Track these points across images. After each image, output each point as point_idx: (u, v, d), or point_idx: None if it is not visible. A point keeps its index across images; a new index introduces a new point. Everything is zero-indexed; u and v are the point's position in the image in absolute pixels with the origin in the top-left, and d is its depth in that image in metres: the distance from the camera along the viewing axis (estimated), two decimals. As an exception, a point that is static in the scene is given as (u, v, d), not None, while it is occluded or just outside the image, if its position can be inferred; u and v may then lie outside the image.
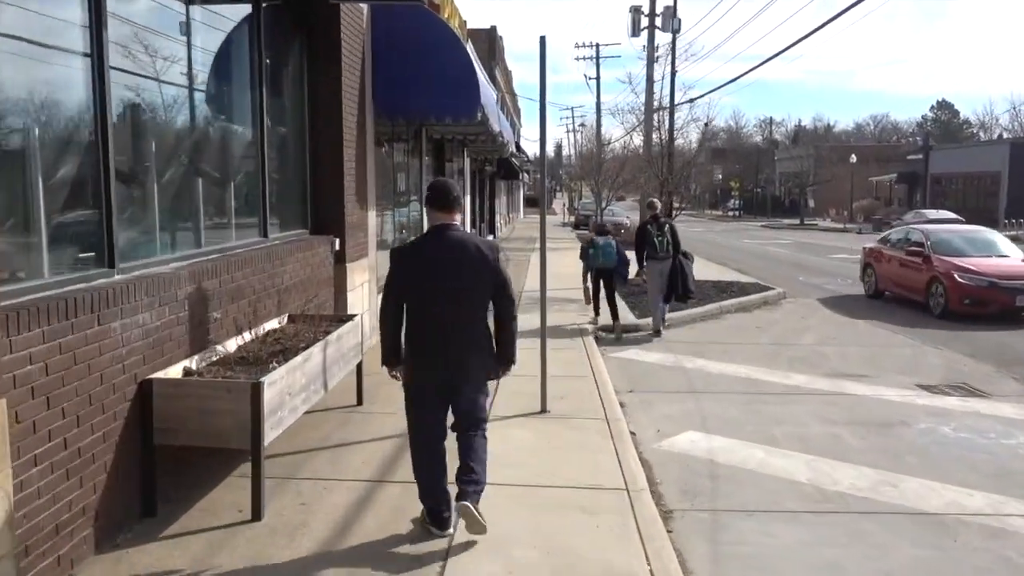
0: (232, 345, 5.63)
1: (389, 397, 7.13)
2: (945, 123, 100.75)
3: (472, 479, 4.34)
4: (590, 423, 6.75)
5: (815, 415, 7.63)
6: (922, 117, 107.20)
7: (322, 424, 6.53)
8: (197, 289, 5.27)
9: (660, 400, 8.11)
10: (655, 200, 12.95)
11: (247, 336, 5.84)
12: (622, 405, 7.64)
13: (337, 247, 8.57)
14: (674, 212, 16.12)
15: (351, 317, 6.92)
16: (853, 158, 58.46)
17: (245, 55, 6.99)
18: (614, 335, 11.50)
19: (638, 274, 12.96)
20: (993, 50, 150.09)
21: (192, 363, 5.03)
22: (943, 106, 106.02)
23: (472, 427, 4.46)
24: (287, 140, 8.14)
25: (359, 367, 7.07)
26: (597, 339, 11.40)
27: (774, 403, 8.03)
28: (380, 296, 4.48)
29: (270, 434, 4.65)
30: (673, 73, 16.19)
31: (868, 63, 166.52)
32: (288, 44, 8.10)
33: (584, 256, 12.09)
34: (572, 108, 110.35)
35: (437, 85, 9.79)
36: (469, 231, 18.61)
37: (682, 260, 11.56)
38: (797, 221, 59.86)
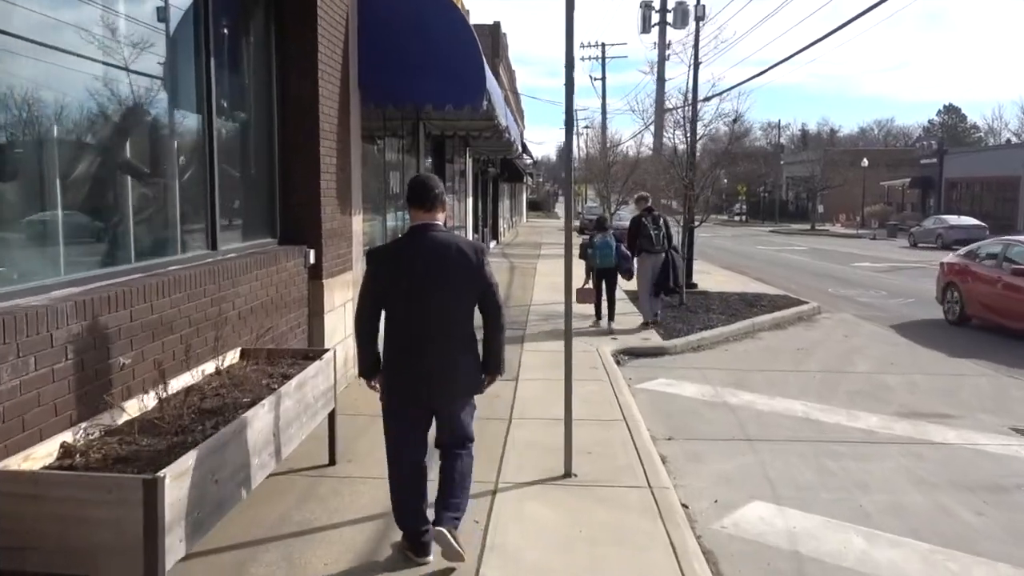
0: (148, 401, 4.09)
1: (371, 450, 5.66)
2: (952, 127, 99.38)
3: (452, 504, 4.05)
4: (630, 494, 5.20)
5: (906, 474, 6.09)
6: (928, 121, 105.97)
7: (279, 495, 4.99)
8: (91, 326, 3.73)
9: (709, 451, 6.57)
10: (645, 194, 12.63)
11: (174, 386, 4.30)
12: (664, 460, 6.10)
13: (312, 260, 7.03)
14: (696, 219, 14.53)
15: (321, 353, 5.38)
16: (865, 162, 56.96)
17: (187, 18, 5.46)
18: (607, 331, 11.52)
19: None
20: (996, 55, 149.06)
21: (75, 436, 3.49)
22: (950, 110, 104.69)
23: (457, 445, 4.15)
24: (248, 128, 6.61)
25: (331, 416, 5.51)
26: (618, 362, 9.87)
27: (849, 456, 6.48)
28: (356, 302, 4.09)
29: (177, 550, 3.11)
30: (696, 64, 14.59)
31: (869, 68, 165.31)
32: (249, 6, 6.57)
33: (584, 255, 11.85)
34: (576, 111, 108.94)
35: (435, 66, 8.27)
36: (471, 236, 17.00)
37: (674, 255, 11.72)
38: (806, 226, 58.40)
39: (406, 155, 11.71)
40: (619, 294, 12.41)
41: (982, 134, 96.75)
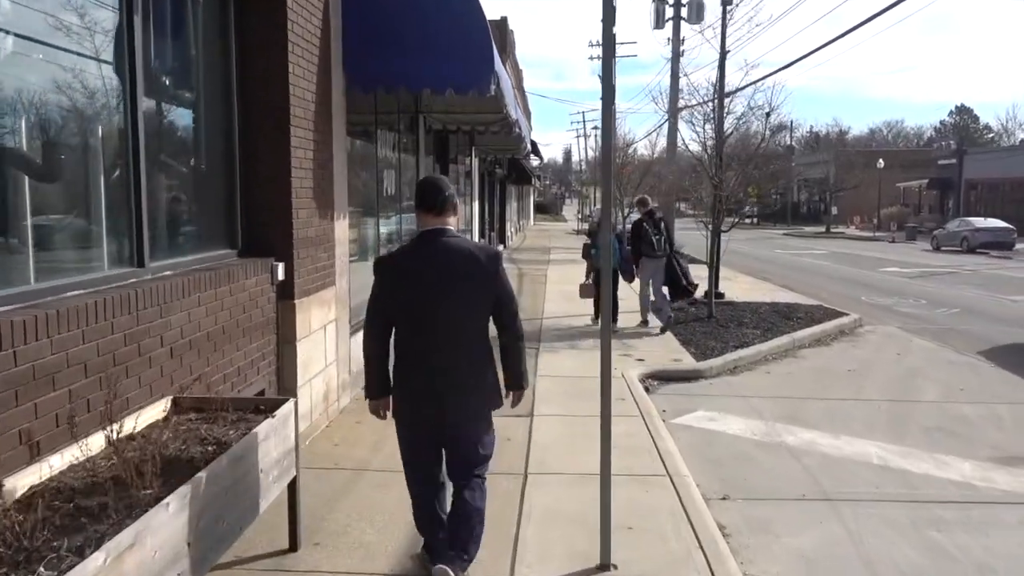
0: (15, 487, 2.75)
1: (349, 526, 4.39)
2: (964, 128, 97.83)
3: (460, 543, 3.73)
4: (692, 597, 3.85)
5: (1037, 553, 4.73)
6: (940, 122, 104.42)
7: (216, 605, 3.66)
8: None
9: (778, 517, 5.21)
10: (647, 197, 12.51)
11: (43, 470, 2.97)
12: (724, 533, 4.75)
13: (281, 275, 5.71)
14: (727, 223, 13.16)
15: (276, 405, 4.02)
16: (880, 163, 55.50)
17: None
18: (597, 324, 11.23)
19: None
20: (1005, 57, 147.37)
21: None
22: (963, 111, 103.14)
23: (469, 474, 3.79)
24: (197, 112, 5.29)
25: (293, 486, 4.16)
26: (647, 389, 8.53)
27: (958, 525, 5.12)
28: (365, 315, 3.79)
29: None
30: (723, 52, 13.25)
31: (875, 70, 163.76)
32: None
33: (587, 255, 12.00)
34: (583, 112, 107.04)
35: (434, 44, 6.96)
36: (477, 240, 15.58)
37: (676, 257, 11.58)
38: (820, 229, 56.96)
39: (404, 153, 10.38)
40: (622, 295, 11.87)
41: (994, 135, 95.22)
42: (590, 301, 12.07)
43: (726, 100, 12.41)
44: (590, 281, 11.84)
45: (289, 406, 4.04)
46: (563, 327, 11.97)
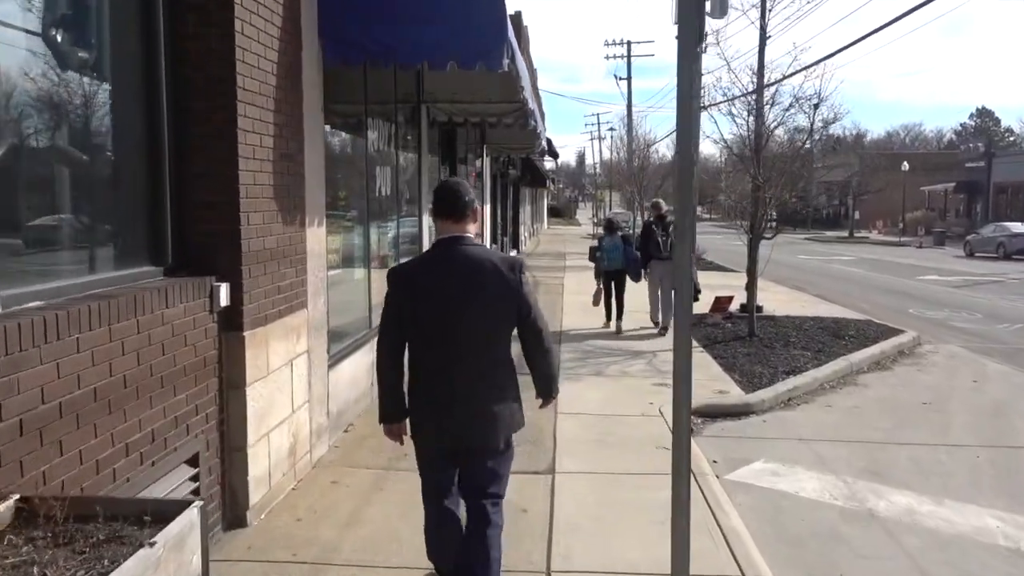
0: None
1: None
2: (985, 130, 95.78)
3: None
4: None
5: None
6: (961, 125, 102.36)
7: None
8: None
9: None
10: (660, 201, 12.47)
11: None
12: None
13: (224, 299, 4.31)
14: (766, 226, 11.68)
15: (174, 512, 2.60)
16: (905, 166, 53.77)
17: None
18: (615, 331, 11.63)
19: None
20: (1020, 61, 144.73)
21: None
22: (983, 113, 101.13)
23: (483, 496, 3.48)
24: (98, 80, 3.89)
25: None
26: (691, 429, 7.07)
27: None
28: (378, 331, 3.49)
29: None
30: (763, 36, 11.78)
31: (890, 73, 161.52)
32: None
33: (593, 258, 12.14)
34: (598, 115, 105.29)
35: (434, 6, 5.58)
36: (489, 246, 14.07)
37: None
38: (843, 233, 55.31)
39: (401, 150, 8.97)
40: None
41: (1015, 137, 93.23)
42: (593, 301, 12.11)
43: (771, 89, 10.94)
44: (601, 285, 11.88)
45: (190, 516, 2.62)
46: (586, 347, 10.54)
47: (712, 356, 9.89)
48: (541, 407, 3.75)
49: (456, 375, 3.39)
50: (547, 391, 3.65)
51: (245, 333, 4.44)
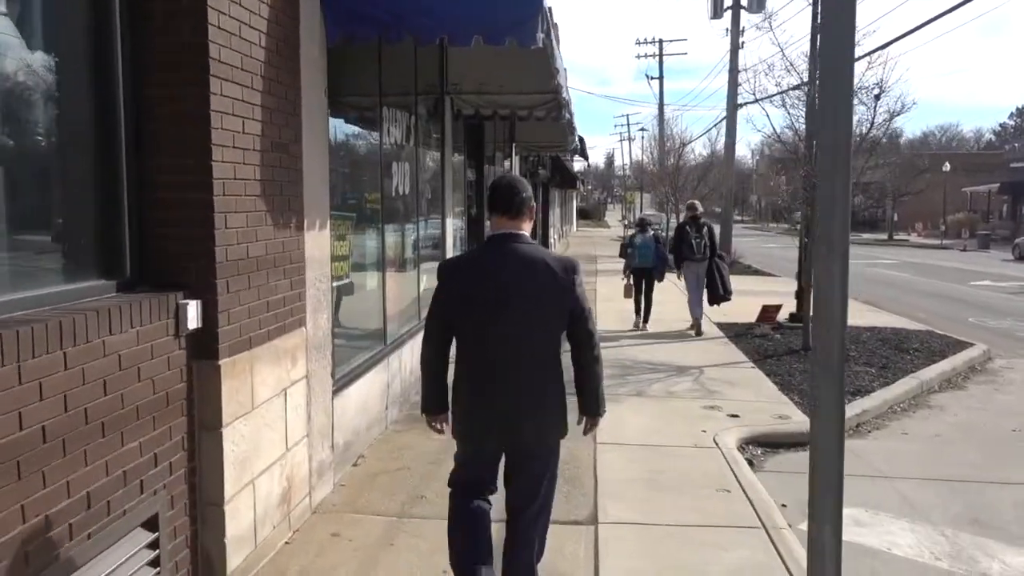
0: None
1: None
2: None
3: None
4: None
5: None
6: (1000, 125, 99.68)
7: None
8: None
9: None
10: (696, 202, 12.61)
11: None
12: None
13: (194, 320, 3.48)
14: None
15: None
16: (947, 166, 52.16)
17: None
18: (637, 329, 11.90)
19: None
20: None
21: None
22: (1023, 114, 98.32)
23: (529, 505, 3.42)
24: (29, 49, 3.07)
25: None
26: (751, 462, 6.19)
27: None
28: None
29: None
30: (817, 19, 10.77)
31: (924, 74, 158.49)
32: None
33: (623, 254, 12.37)
34: (627, 115, 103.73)
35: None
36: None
37: (718, 262, 11.56)
38: (881, 236, 53.72)
39: (423, 146, 8.13)
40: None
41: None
42: (624, 293, 12.37)
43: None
44: (630, 281, 12.10)
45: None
46: (624, 358, 9.64)
47: (765, 372, 8.93)
48: (586, 431, 3.53)
49: (503, 374, 3.31)
50: (594, 407, 3.46)
51: (222, 361, 3.61)
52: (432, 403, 3.47)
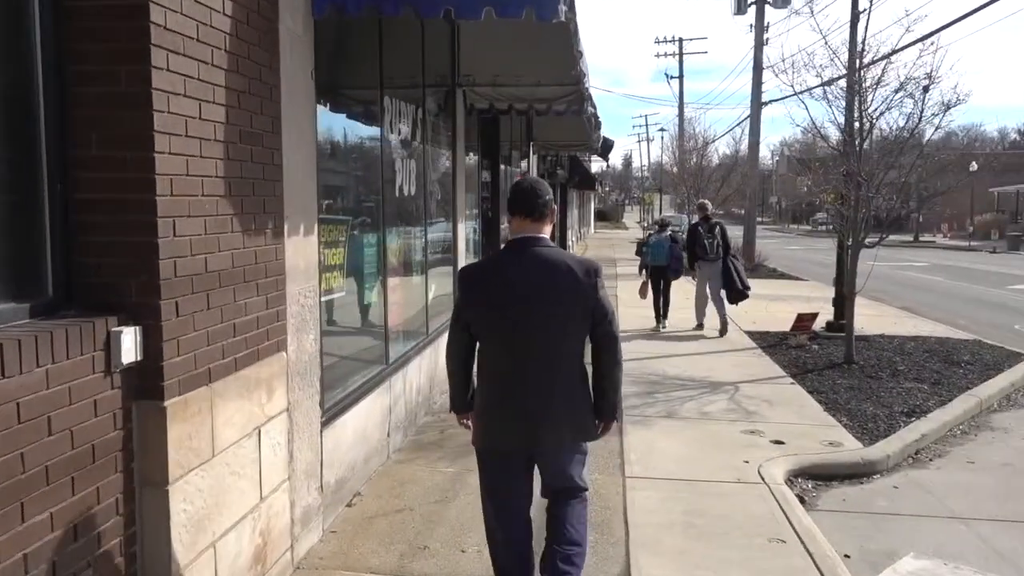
0: None
1: None
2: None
3: (563, 559, 3.29)
4: None
5: None
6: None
7: None
8: None
9: None
10: (706, 202, 12.83)
11: None
12: None
13: (132, 351, 2.77)
14: (873, 233, 9.84)
15: None
16: (974, 166, 50.73)
17: None
18: (658, 329, 11.89)
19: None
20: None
21: None
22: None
23: (566, 495, 3.42)
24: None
25: None
26: (803, 499, 5.42)
27: None
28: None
29: None
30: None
31: (947, 73, 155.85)
32: None
33: (639, 253, 12.57)
34: (646, 116, 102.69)
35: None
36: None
37: (732, 261, 11.57)
38: (906, 237, 52.47)
39: (431, 144, 7.41)
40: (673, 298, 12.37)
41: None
42: (640, 293, 12.28)
43: (875, 68, 9.10)
44: (646, 279, 12.10)
45: None
46: (649, 372, 8.88)
47: (807, 390, 8.14)
48: (600, 434, 3.50)
49: (526, 379, 3.28)
50: (611, 410, 3.43)
51: (168, 402, 2.90)
52: (460, 402, 3.53)
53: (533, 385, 3.28)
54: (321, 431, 4.44)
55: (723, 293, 11.54)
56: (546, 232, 3.36)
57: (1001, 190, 54.58)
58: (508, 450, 3.39)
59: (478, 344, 3.41)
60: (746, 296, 11.62)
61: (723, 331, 11.41)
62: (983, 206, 53.67)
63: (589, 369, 3.41)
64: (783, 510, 4.93)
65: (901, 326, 12.75)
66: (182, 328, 2.98)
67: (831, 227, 57.98)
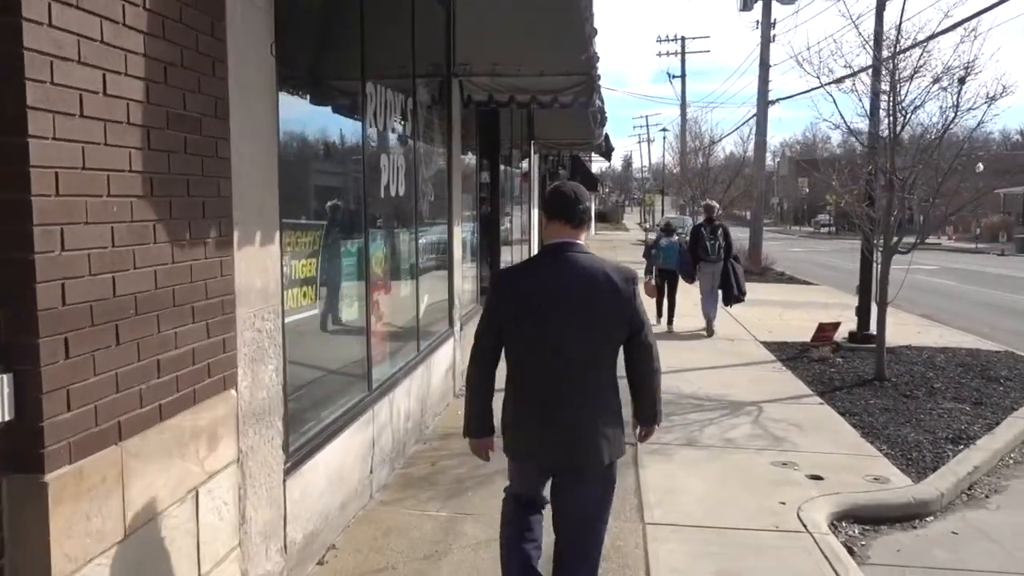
0: None
1: None
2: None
3: None
4: None
5: None
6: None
7: None
8: None
9: None
10: (711, 203, 12.77)
11: None
12: None
13: (3, 410, 2.00)
14: (908, 238, 9.08)
15: None
16: (980, 167, 50.08)
17: None
18: (666, 329, 11.81)
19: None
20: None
21: None
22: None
23: (580, 535, 3.25)
24: None
25: None
26: (851, 550, 4.65)
27: None
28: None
29: None
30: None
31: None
32: None
33: (647, 255, 12.42)
34: (647, 116, 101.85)
35: None
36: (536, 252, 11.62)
37: (733, 263, 11.58)
38: (911, 240, 51.76)
39: (422, 140, 6.65)
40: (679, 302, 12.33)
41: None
42: (646, 292, 11.79)
43: (909, 56, 8.33)
44: (653, 281, 12.08)
45: None
46: (664, 389, 8.03)
47: (838, 411, 7.37)
48: (642, 439, 3.45)
49: (559, 389, 3.17)
50: (652, 416, 3.37)
51: (50, 476, 2.14)
52: (477, 427, 3.30)
53: (569, 397, 3.18)
54: (285, 480, 3.68)
55: (719, 293, 11.57)
56: (582, 238, 3.29)
57: (1007, 191, 53.81)
58: (535, 467, 3.31)
59: (507, 357, 3.27)
60: (741, 300, 11.63)
61: (709, 331, 11.55)
62: (988, 207, 52.95)
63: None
64: (833, 568, 4.17)
65: (926, 335, 12.00)
66: (73, 374, 2.22)
67: (833, 229, 57.17)
